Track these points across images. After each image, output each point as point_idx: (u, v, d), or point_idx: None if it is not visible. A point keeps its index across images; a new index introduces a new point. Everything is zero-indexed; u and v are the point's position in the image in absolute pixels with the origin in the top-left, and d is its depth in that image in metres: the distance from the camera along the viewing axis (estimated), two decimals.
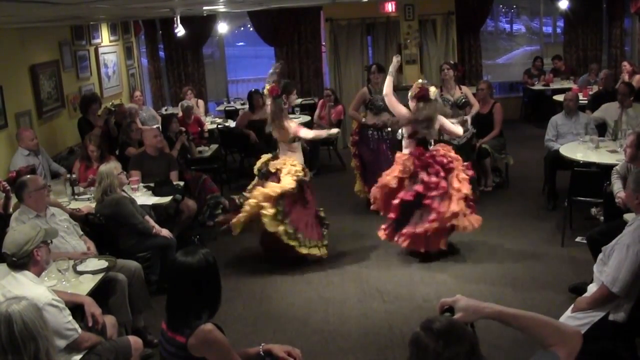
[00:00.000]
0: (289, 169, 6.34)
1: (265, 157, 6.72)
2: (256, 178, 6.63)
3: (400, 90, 9.46)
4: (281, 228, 6.16)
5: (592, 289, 4.05)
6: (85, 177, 6.92)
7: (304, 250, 6.35)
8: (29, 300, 2.97)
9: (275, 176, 6.39)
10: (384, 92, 6.57)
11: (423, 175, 6.25)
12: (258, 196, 6.17)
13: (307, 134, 6.63)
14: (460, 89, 8.26)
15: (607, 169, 6.17)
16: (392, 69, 6.57)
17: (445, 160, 6.30)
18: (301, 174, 6.36)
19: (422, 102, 6.34)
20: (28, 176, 5.30)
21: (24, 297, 3.03)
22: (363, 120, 7.99)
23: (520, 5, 14.85)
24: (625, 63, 10.73)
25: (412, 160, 6.34)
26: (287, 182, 6.21)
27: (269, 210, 6.10)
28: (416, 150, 6.39)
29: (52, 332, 3.10)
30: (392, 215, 6.36)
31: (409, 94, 6.49)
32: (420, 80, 6.59)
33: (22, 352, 2.76)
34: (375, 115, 7.88)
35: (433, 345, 1.94)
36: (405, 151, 6.50)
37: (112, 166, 5.83)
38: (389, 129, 7.88)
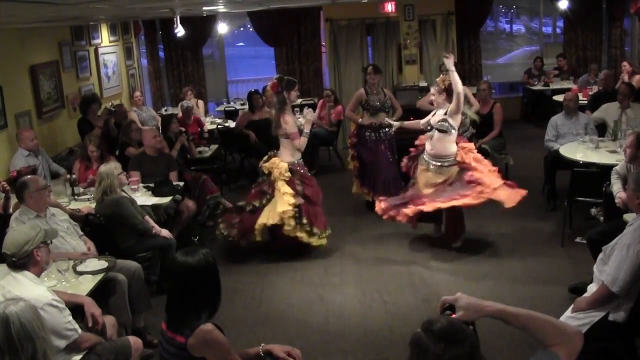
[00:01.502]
0: (275, 174, 6.58)
1: (264, 159, 6.88)
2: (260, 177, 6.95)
3: (399, 91, 9.50)
4: (300, 233, 6.55)
5: (592, 289, 4.05)
6: (85, 178, 6.92)
7: (310, 240, 6.64)
8: (27, 301, 2.97)
9: (269, 177, 6.67)
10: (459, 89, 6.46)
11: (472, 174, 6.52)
12: (274, 217, 6.48)
13: (300, 146, 6.68)
14: None
15: (607, 169, 6.17)
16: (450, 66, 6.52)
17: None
18: (286, 175, 6.54)
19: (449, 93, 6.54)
20: (29, 176, 5.30)
21: (21, 298, 3.04)
22: (360, 121, 7.98)
23: (520, 6, 14.84)
24: (625, 63, 10.73)
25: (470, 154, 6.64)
26: (284, 187, 6.51)
27: (290, 224, 6.47)
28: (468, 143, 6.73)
29: (49, 333, 3.11)
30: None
31: (436, 87, 6.59)
32: (442, 75, 6.80)
33: (20, 353, 2.76)
34: (372, 116, 7.87)
35: (433, 347, 1.93)
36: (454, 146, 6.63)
37: (112, 166, 5.82)
38: (387, 129, 7.89)
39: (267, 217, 6.54)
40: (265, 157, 6.84)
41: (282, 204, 6.45)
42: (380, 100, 7.86)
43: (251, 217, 6.68)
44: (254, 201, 6.76)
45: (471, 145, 6.78)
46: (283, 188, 6.51)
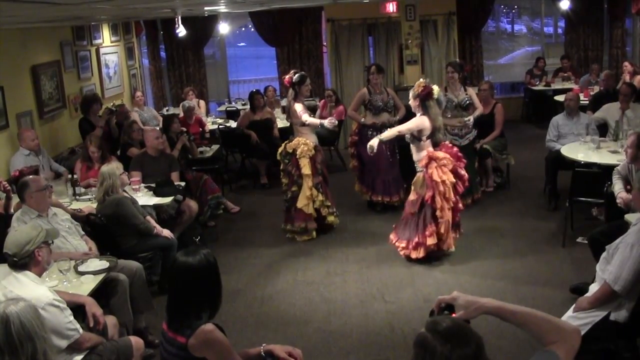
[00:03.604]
0: (302, 149, 7.09)
1: (284, 143, 7.38)
2: (281, 163, 7.36)
3: (400, 91, 9.50)
4: (323, 210, 7.28)
5: (593, 288, 4.04)
6: (87, 178, 6.92)
7: (329, 218, 7.36)
8: (27, 301, 2.97)
9: (294, 156, 7.14)
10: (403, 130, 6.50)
11: (459, 169, 6.37)
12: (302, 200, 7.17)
13: (307, 119, 7.08)
14: (466, 90, 8.11)
15: (608, 169, 6.17)
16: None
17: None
18: (312, 152, 7.11)
19: (427, 100, 6.32)
20: (30, 176, 5.29)
21: (22, 298, 3.04)
22: (362, 120, 7.99)
23: (521, 6, 14.84)
24: (626, 63, 10.72)
25: (448, 154, 6.37)
26: (305, 168, 7.08)
27: (319, 199, 7.21)
28: (446, 148, 6.45)
29: (50, 333, 3.11)
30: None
31: (411, 93, 6.45)
32: (422, 79, 6.58)
33: (19, 353, 2.76)
34: (375, 116, 7.88)
35: (441, 348, 1.91)
36: (423, 153, 6.36)
37: (114, 166, 5.83)
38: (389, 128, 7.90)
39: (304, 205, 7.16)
40: (287, 142, 7.35)
41: (306, 189, 7.12)
42: (383, 99, 7.86)
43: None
44: (292, 188, 7.22)
45: (446, 156, 6.29)
46: (305, 169, 7.06)
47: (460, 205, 6.42)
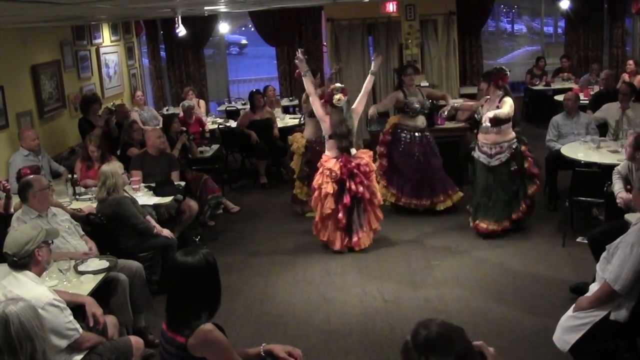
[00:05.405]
0: (294, 146, 7.94)
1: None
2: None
3: None
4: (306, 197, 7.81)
5: (594, 288, 4.04)
6: (86, 177, 6.92)
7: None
8: (27, 301, 2.97)
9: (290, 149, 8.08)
10: (308, 91, 6.99)
11: (351, 184, 6.62)
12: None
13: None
14: (501, 100, 6.77)
15: (608, 169, 6.16)
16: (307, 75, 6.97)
17: (367, 170, 6.70)
18: (302, 150, 7.83)
19: (329, 105, 6.67)
20: (32, 176, 5.29)
21: (21, 298, 3.04)
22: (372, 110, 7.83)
23: (521, 6, 14.87)
24: (630, 62, 10.71)
25: (338, 166, 6.61)
26: (294, 162, 7.98)
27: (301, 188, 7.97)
28: (343, 158, 6.66)
29: (50, 332, 3.11)
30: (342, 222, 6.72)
31: None
32: (337, 84, 6.77)
33: (19, 353, 2.76)
34: (411, 118, 7.67)
35: (417, 357, 1.95)
36: (328, 153, 6.76)
37: (116, 166, 5.83)
38: (425, 132, 7.80)
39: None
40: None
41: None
42: (419, 102, 7.64)
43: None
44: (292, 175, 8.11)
45: (332, 168, 6.60)
46: (293, 163, 7.92)
47: (341, 215, 6.65)
